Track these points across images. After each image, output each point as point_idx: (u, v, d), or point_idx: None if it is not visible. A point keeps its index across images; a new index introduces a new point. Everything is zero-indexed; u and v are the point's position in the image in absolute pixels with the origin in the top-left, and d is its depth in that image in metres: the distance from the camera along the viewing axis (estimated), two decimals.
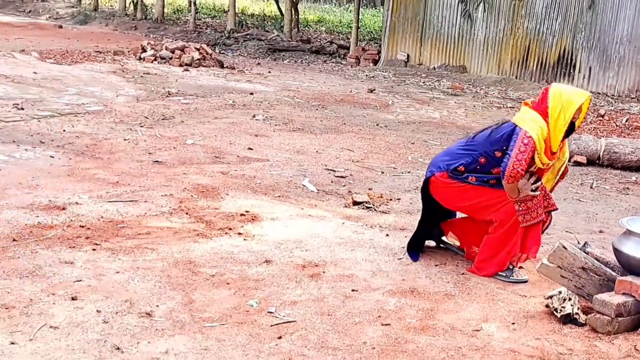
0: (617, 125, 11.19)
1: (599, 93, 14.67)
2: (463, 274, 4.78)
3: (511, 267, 4.84)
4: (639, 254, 4.06)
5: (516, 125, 4.55)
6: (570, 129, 4.55)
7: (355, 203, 6.23)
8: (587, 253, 5.34)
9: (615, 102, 13.81)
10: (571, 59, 15.47)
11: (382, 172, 7.52)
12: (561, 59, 15.61)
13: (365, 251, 5.02)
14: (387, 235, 5.42)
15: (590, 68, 15.19)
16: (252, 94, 11.70)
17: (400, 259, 4.93)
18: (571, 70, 15.45)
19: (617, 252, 4.22)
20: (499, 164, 4.61)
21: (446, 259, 5.04)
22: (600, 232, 6.17)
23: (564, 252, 4.14)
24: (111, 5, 27.02)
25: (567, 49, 15.53)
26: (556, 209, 4.91)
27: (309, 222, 5.60)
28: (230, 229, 5.30)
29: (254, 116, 9.75)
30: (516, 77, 16.02)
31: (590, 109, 12.54)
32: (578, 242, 5.72)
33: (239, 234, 5.21)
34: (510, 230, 4.75)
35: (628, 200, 7.32)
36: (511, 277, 4.79)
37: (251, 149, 7.93)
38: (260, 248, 4.93)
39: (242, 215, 5.62)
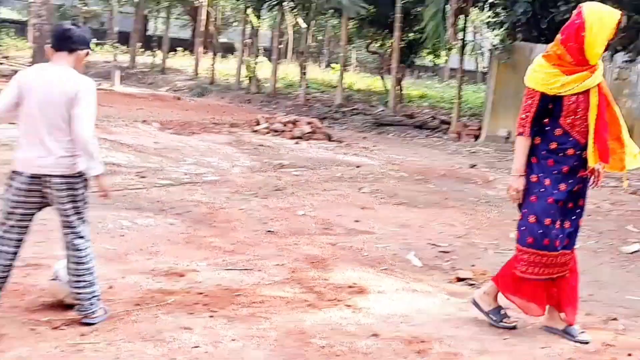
0: None
1: None
2: (569, 358, 4.63)
3: (503, 311, 4.89)
4: None
5: None
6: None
7: (459, 279, 6.16)
8: None
9: None
10: None
11: (485, 249, 7.42)
12: None
13: (470, 329, 4.94)
14: None
15: None
16: (358, 166, 11.83)
17: (505, 339, 4.82)
18: None
19: None
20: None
21: (552, 341, 4.90)
22: None
23: None
24: (227, 79, 27.96)
25: None
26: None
27: (414, 296, 5.57)
28: (339, 300, 5.32)
29: (360, 189, 9.84)
30: None
31: None
32: None
33: (348, 305, 5.22)
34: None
35: None
36: (500, 323, 4.86)
37: (358, 222, 7.98)
38: (367, 321, 4.92)
39: (350, 287, 5.64)
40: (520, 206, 4.75)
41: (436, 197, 9.83)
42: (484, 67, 32.30)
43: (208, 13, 29.90)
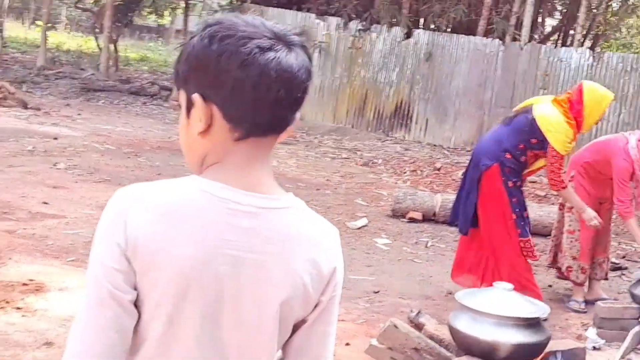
0: (452, 179, 11.33)
1: (435, 145, 14.92)
2: None
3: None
4: (474, 331, 3.83)
5: (535, 121, 5.63)
6: None
7: None
8: (421, 325, 5.14)
9: (451, 154, 14.09)
10: (408, 110, 15.70)
11: None
12: (398, 109, 15.81)
13: None
14: None
15: (427, 120, 15.46)
16: (55, 138, 10.90)
17: None
18: (408, 122, 15.68)
19: (452, 329, 3.98)
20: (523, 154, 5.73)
21: None
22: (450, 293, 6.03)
23: (395, 331, 3.85)
24: None
25: (404, 100, 15.75)
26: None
27: None
28: (8, 302, 4.69)
29: (54, 164, 9.04)
30: (352, 127, 16.07)
31: (427, 162, 12.72)
32: (411, 311, 5.52)
33: (18, 308, 4.62)
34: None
35: None
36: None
37: (47, 204, 7.27)
38: (41, 326, 4.36)
39: (24, 284, 5.02)
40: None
41: (146, 173, 9.30)
42: None
43: None
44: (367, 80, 16.10)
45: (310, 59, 1.47)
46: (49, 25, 22.50)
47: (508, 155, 5.71)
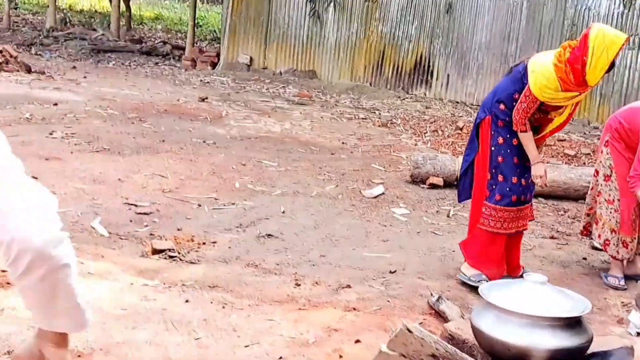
0: None
1: (457, 102, 14.27)
2: (280, 357, 3.82)
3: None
4: (502, 334, 3.22)
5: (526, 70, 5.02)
6: (610, 66, 4.85)
7: (156, 251, 5.18)
8: (442, 313, 4.58)
9: (474, 112, 13.37)
10: (428, 66, 14.99)
11: (199, 205, 6.48)
12: (418, 65, 15.10)
13: (151, 329, 3.96)
14: (187, 301, 4.39)
15: (448, 75, 14.76)
16: (56, 104, 10.29)
17: (197, 339, 3.90)
18: (429, 78, 14.97)
19: (475, 329, 3.37)
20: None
21: (260, 337, 4.08)
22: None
23: (409, 336, 3.24)
24: None
25: (424, 55, 15.03)
26: (526, 229, 5.41)
27: (87, 283, 4.48)
28: None
29: (51, 133, 8.46)
30: (370, 84, 15.40)
31: (448, 121, 12.05)
32: (431, 295, 4.95)
33: None
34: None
35: None
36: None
37: (36, 178, 6.68)
38: (7, 329, 3.80)
39: None
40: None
41: (149, 140, 8.69)
42: None
43: None
44: (385, 35, 15.38)
45: None
46: None
47: (502, 107, 5.15)
